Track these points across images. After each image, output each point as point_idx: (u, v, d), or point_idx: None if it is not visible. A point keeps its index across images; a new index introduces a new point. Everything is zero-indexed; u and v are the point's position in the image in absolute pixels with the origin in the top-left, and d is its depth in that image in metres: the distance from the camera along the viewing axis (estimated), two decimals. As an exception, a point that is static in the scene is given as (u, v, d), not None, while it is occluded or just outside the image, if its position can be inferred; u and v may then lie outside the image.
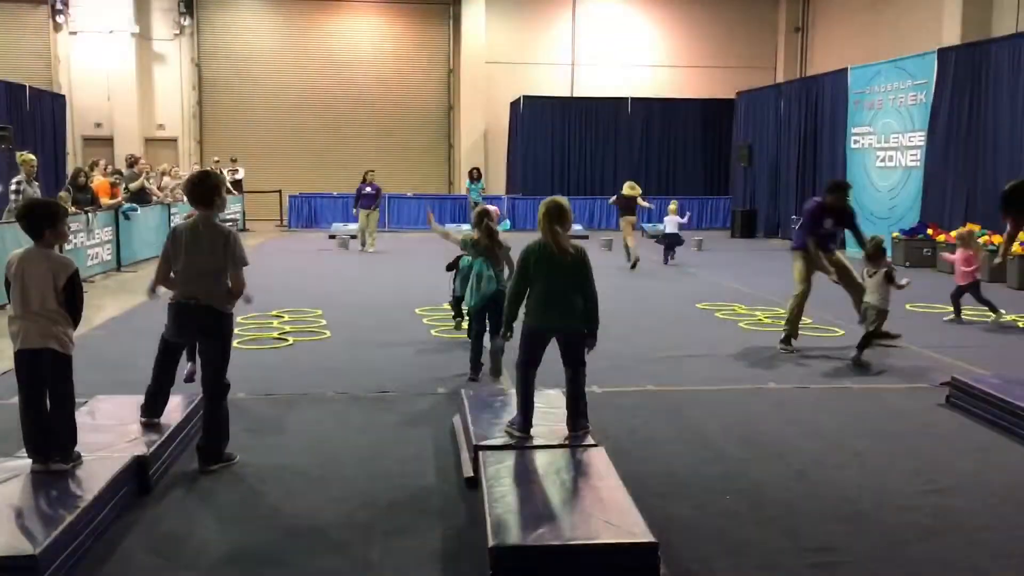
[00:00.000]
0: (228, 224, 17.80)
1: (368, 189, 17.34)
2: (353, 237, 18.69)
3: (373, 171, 18.00)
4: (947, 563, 4.01)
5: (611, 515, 3.95)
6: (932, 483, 4.93)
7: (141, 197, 15.80)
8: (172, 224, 15.74)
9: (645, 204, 15.57)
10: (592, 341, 5.18)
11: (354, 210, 17.95)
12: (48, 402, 4.48)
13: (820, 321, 9.73)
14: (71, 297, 4.50)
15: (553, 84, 26.07)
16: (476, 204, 21.85)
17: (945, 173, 15.35)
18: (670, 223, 15.33)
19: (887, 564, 3.99)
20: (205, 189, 5.04)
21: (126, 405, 5.53)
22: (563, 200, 5.13)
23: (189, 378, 6.26)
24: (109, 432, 5.02)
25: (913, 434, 5.85)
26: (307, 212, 23.11)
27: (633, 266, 14.20)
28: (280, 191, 23.92)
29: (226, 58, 25.60)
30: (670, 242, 15.28)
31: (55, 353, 4.44)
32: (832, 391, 6.93)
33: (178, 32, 25.20)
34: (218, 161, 22.11)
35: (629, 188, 15.14)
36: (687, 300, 11.34)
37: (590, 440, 5.02)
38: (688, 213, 16.99)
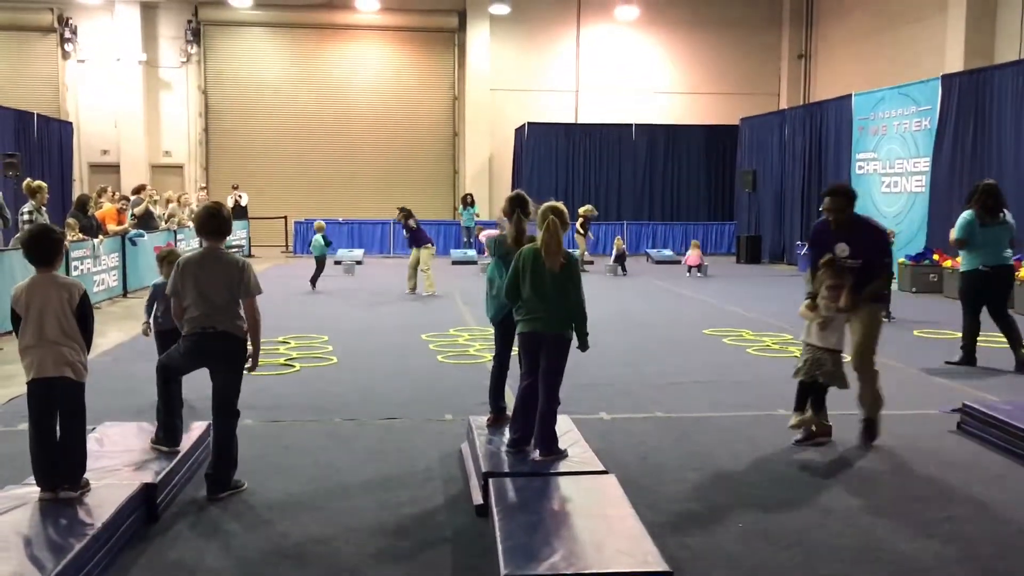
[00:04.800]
0: (234, 251, 17.96)
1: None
2: (359, 263, 18.76)
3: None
4: (964, 592, 3.96)
5: (624, 543, 3.91)
6: (945, 511, 4.88)
7: (146, 223, 15.84)
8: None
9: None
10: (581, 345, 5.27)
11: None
12: (59, 430, 4.45)
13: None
14: (83, 319, 4.48)
15: (557, 111, 26.24)
16: (468, 229, 22.05)
17: (950, 198, 15.33)
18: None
19: (903, 593, 3.95)
20: (217, 221, 5.05)
21: (134, 431, 5.51)
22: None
23: None
24: (117, 458, 4.99)
25: (924, 461, 5.80)
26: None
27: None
28: (285, 217, 23.99)
29: (232, 85, 25.79)
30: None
31: (69, 381, 4.41)
32: (840, 417, 6.86)
33: (185, 60, 25.42)
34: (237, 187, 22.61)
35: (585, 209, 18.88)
36: (694, 326, 11.31)
37: (600, 467, 4.99)
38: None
